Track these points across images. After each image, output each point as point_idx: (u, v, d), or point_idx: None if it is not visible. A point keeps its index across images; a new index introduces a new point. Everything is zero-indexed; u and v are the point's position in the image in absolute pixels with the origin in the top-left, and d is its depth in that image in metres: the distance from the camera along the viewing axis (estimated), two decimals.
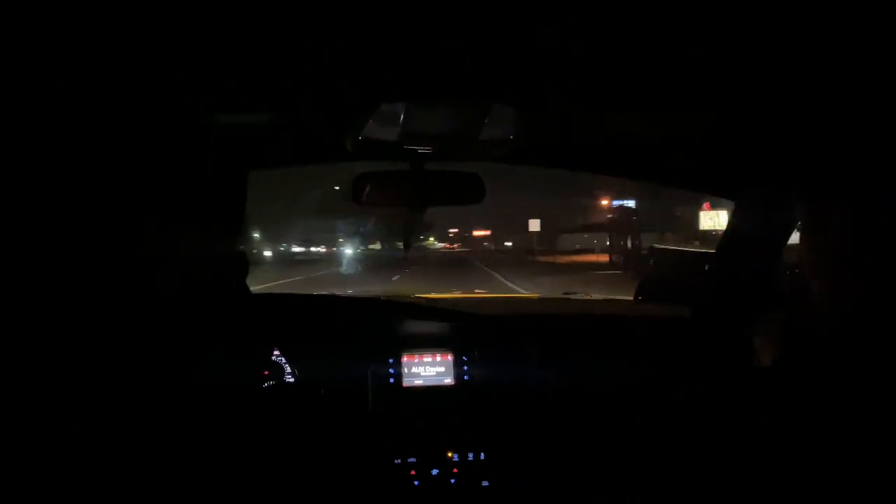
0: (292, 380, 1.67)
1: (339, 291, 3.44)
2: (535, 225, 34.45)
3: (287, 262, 30.89)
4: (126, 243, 0.69)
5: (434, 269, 25.75)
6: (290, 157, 1.71)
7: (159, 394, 0.71)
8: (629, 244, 23.05)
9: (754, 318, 1.35)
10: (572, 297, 2.46)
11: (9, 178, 0.66)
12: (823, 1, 0.66)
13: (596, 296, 2.62)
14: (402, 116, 1.13)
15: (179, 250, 0.74)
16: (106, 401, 0.67)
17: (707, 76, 0.91)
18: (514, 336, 1.79)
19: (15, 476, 0.63)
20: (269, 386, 1.66)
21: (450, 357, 1.72)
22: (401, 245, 69.63)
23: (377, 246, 63.22)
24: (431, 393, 1.70)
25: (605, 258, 28.97)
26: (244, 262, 0.87)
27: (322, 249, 45.31)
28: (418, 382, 1.70)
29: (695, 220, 36.19)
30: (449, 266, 28.33)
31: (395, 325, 1.83)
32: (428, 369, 1.71)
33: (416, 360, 1.71)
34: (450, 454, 1.62)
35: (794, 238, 1.38)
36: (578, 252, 41.60)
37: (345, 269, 26.62)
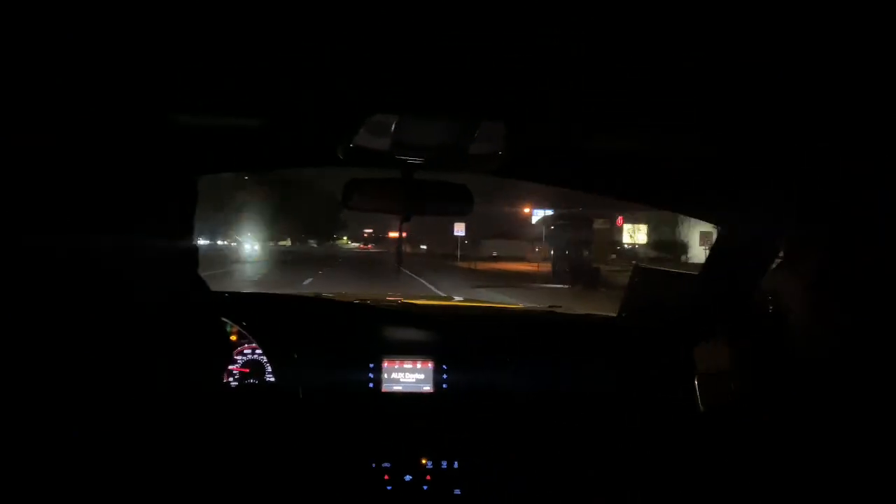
0: (273, 379, 1.68)
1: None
2: (460, 229, 34.25)
3: None
4: (96, 240, 0.70)
5: (351, 270, 23.15)
6: (281, 160, 1.72)
7: (119, 395, 0.71)
8: (575, 255, 21.32)
9: (733, 332, 1.37)
10: (557, 310, 2.48)
11: None
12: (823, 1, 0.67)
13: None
14: (393, 126, 1.15)
15: (145, 249, 0.74)
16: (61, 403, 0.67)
17: (705, 80, 0.91)
18: (497, 347, 1.80)
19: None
20: (249, 384, 1.67)
21: (430, 365, 1.73)
22: (313, 243, 68.21)
23: (287, 242, 61.56)
24: (409, 399, 1.71)
25: (534, 267, 27.56)
26: (195, 256, 0.87)
27: (227, 244, 41.88)
28: (397, 388, 1.71)
29: (611, 233, 36.73)
30: (369, 268, 25.89)
31: (379, 330, 1.84)
32: (408, 376, 1.72)
33: (397, 366, 1.72)
34: (424, 461, 1.64)
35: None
36: (496, 259, 40.83)
37: (249, 268, 22.52)
